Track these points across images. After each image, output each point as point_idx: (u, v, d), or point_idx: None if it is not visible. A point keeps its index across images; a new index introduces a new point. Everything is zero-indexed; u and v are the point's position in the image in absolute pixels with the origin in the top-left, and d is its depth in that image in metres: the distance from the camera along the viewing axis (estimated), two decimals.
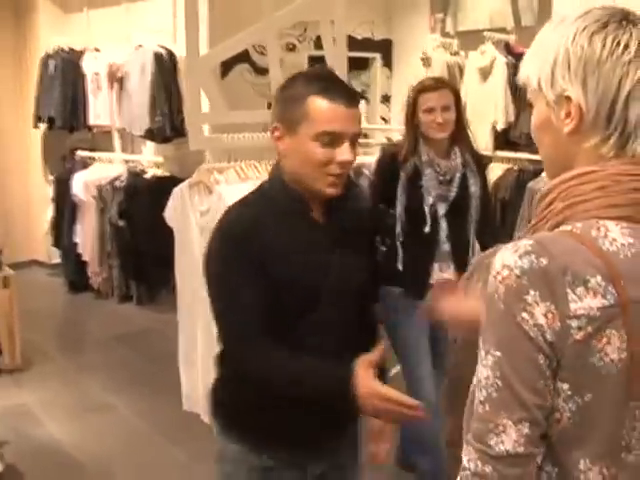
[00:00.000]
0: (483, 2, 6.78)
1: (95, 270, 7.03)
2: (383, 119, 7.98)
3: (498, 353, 1.24)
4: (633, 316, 1.24)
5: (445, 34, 7.09)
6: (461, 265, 3.65)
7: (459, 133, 3.62)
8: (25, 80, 7.88)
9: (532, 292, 1.21)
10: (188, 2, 3.30)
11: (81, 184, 6.97)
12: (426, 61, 6.81)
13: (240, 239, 2.00)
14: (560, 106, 1.31)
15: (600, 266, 1.23)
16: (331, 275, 2.10)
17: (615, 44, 1.26)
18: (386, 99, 8.01)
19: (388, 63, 7.91)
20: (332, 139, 1.97)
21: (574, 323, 1.21)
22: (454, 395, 1.77)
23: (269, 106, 5.90)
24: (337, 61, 3.77)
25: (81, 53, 7.30)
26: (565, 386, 1.25)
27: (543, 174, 4.85)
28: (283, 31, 6.92)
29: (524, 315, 1.22)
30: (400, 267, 3.63)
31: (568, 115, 1.31)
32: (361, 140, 5.96)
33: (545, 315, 1.21)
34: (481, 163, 3.84)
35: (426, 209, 3.55)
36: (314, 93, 1.98)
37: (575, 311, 1.21)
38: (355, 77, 7.91)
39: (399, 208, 3.58)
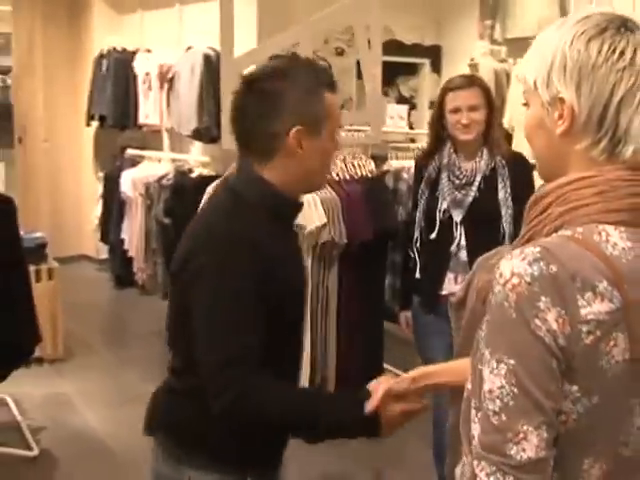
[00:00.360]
0: (531, 9, 6.77)
1: (140, 266, 7.15)
2: None
3: (512, 361, 1.25)
4: (634, 317, 1.26)
5: (493, 41, 7.10)
6: None
7: (489, 134, 3.40)
8: (79, 79, 8.07)
9: (544, 298, 1.23)
10: (224, 6, 3.38)
11: (129, 182, 7.11)
12: (473, 68, 6.82)
13: (246, 254, 1.82)
14: (554, 107, 1.34)
15: (605, 271, 1.25)
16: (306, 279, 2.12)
17: (611, 50, 1.29)
18: (434, 105, 8.00)
19: (437, 69, 7.93)
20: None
21: (584, 328, 1.24)
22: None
23: None
24: (372, 66, 3.80)
25: (133, 54, 7.46)
26: (574, 388, 1.27)
27: None
28: (332, 35, 7.01)
29: (537, 322, 1.23)
30: (418, 275, 3.51)
31: (561, 117, 1.33)
32: (407, 145, 6.02)
33: (556, 320, 1.23)
34: (523, 168, 3.44)
35: (437, 215, 3.39)
36: (326, 89, 1.92)
37: (585, 316, 1.24)
38: (403, 82, 7.95)
39: (418, 214, 3.47)
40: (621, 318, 1.26)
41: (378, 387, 1.90)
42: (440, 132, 3.42)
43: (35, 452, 4.29)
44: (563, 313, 1.23)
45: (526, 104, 1.44)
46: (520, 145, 6.18)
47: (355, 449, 4.25)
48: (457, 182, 3.37)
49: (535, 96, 1.38)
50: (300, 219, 3.41)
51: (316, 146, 1.90)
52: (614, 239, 1.30)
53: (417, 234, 3.47)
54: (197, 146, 7.31)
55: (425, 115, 7.97)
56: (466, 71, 6.90)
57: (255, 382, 1.82)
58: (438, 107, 3.42)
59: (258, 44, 5.71)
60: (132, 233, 7.23)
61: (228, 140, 3.56)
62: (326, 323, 3.62)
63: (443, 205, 3.39)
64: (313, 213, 3.44)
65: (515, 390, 1.25)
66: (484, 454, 1.29)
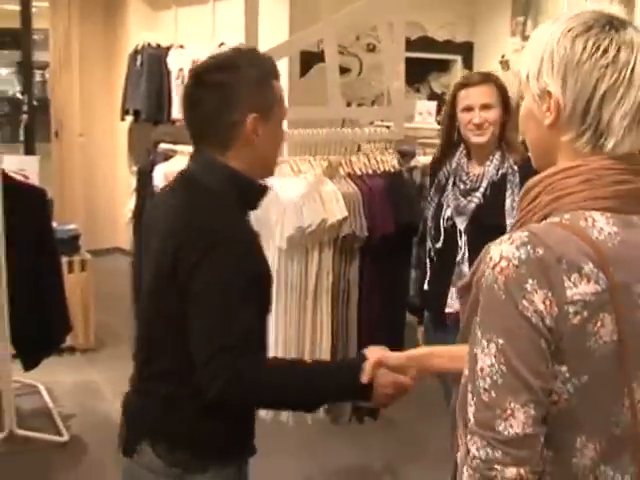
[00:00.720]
0: (563, 6, 6.76)
1: None
2: None
3: (501, 340, 1.32)
4: (620, 299, 1.33)
5: (525, 38, 7.09)
6: None
7: (505, 137, 3.16)
8: (115, 75, 8.18)
9: (530, 281, 1.30)
10: (248, 4, 3.44)
11: (161, 175, 7.18)
12: (504, 64, 6.84)
13: (237, 247, 1.89)
14: (543, 100, 1.40)
15: (591, 254, 1.32)
16: None
17: (595, 48, 1.35)
18: (446, 103, 8.01)
19: (469, 65, 7.92)
20: None
21: (571, 308, 1.30)
22: None
23: (348, 104, 6.01)
24: (395, 62, 3.84)
25: (167, 49, 7.55)
26: (564, 368, 1.33)
27: None
28: (364, 32, 7.04)
29: (524, 303, 1.30)
30: (426, 287, 3.33)
31: (549, 109, 1.39)
32: (435, 141, 6.03)
33: (543, 302, 1.30)
34: (530, 175, 3.31)
35: (441, 223, 3.19)
36: (272, 75, 2.00)
37: (572, 297, 1.30)
38: (435, 79, 7.97)
39: (429, 222, 3.28)
40: (607, 300, 1.32)
41: (373, 355, 2.02)
42: (452, 134, 3.23)
43: (65, 438, 4.41)
44: (550, 295, 1.30)
45: (522, 97, 1.50)
46: None
47: (373, 441, 4.32)
48: (462, 187, 3.17)
49: (527, 89, 1.44)
50: (322, 212, 3.48)
51: (270, 132, 1.98)
52: (600, 224, 1.36)
53: (429, 244, 3.30)
54: None
55: None
56: (498, 67, 6.93)
57: (247, 364, 1.84)
58: (450, 106, 3.20)
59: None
60: None
61: None
62: (347, 316, 3.65)
63: (447, 212, 3.19)
64: (334, 206, 3.48)
65: (503, 368, 1.32)
66: (476, 429, 1.35)
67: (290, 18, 6.45)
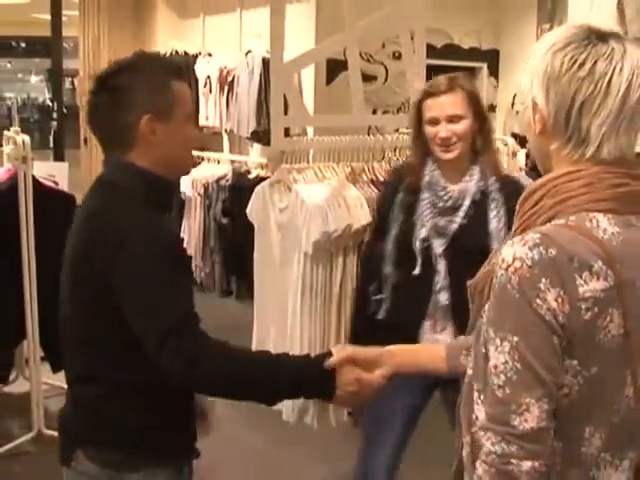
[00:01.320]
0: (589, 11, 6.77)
1: (198, 264, 7.32)
2: None
3: (515, 338, 1.38)
4: (627, 295, 1.40)
5: None
6: (463, 327, 2.43)
7: (481, 150, 2.79)
8: None
9: (544, 280, 1.36)
10: (274, 11, 3.50)
11: (189, 182, 7.28)
12: None
13: (172, 246, 1.91)
14: (534, 110, 1.50)
15: (599, 252, 1.39)
16: None
17: (572, 62, 1.43)
18: (491, 109, 8.05)
19: (494, 73, 7.96)
20: (192, 118, 2.06)
21: (583, 305, 1.37)
22: None
23: (374, 112, 6.06)
24: (416, 71, 3.88)
25: (195, 57, 7.64)
26: (574, 362, 1.40)
27: None
28: (389, 39, 7.09)
29: (538, 301, 1.36)
30: (381, 316, 2.86)
31: (536, 119, 1.50)
32: None
33: (556, 300, 1.36)
34: (516, 194, 2.86)
35: (417, 245, 2.74)
36: (173, 76, 2.00)
37: (583, 294, 1.37)
38: None
39: (389, 243, 2.82)
40: (615, 296, 1.39)
41: (342, 352, 1.97)
42: (423, 147, 2.82)
43: None
44: (562, 293, 1.36)
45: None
46: None
47: None
48: (441, 205, 2.75)
49: (524, 99, 1.55)
50: (347, 218, 3.52)
51: (170, 131, 1.97)
52: (604, 225, 1.43)
53: (389, 269, 2.83)
54: (255, 148, 7.46)
55: None
56: (523, 75, 6.93)
57: (205, 342, 1.84)
58: (415, 117, 2.81)
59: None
60: (191, 232, 7.39)
61: (279, 141, 3.69)
62: None
63: (422, 233, 2.75)
64: (359, 212, 3.53)
65: (518, 365, 1.37)
66: (490, 425, 1.41)
67: (316, 26, 6.51)
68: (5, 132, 4.70)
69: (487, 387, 1.45)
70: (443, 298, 2.75)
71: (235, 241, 7.05)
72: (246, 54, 6.98)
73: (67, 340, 2.04)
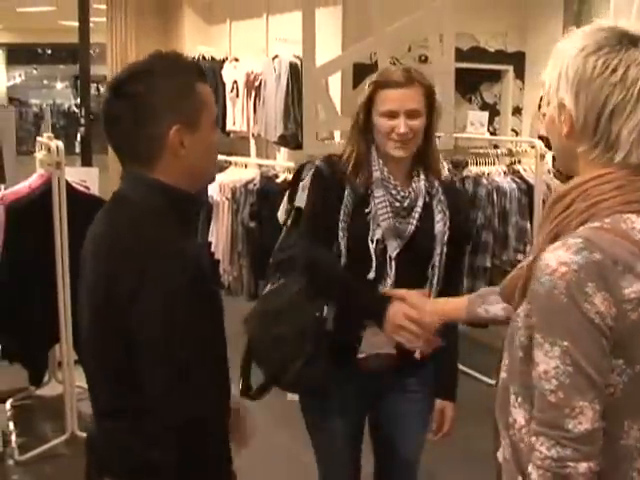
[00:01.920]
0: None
1: (226, 268, 7.36)
2: (514, 131, 8.02)
3: (566, 342, 1.40)
4: None
5: None
6: None
7: (425, 150, 2.62)
8: None
9: (590, 284, 1.39)
10: (306, 17, 3.53)
11: (217, 186, 7.32)
12: None
13: (196, 276, 1.74)
14: (560, 111, 1.52)
15: (638, 254, 1.42)
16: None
17: (605, 67, 1.46)
18: (517, 111, 8.05)
19: (520, 75, 7.95)
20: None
21: (628, 306, 1.40)
22: None
23: None
24: (444, 74, 3.90)
25: (222, 62, 7.69)
26: (620, 362, 1.43)
27: None
28: (416, 43, 7.11)
29: (587, 305, 1.39)
30: (330, 327, 2.59)
31: (564, 120, 1.52)
32: (484, 151, 6.07)
33: (602, 303, 1.39)
34: (457, 197, 2.80)
35: (371, 246, 2.54)
36: (197, 78, 1.82)
37: (628, 295, 1.40)
38: (487, 89, 8.00)
39: (342, 243, 2.55)
40: None
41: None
42: (368, 142, 2.60)
43: None
44: (608, 296, 1.38)
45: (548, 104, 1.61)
46: None
47: None
48: (397, 205, 2.57)
49: (549, 99, 1.56)
50: None
51: (198, 140, 1.81)
52: (638, 226, 1.46)
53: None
54: (282, 152, 7.49)
55: (509, 121, 8.02)
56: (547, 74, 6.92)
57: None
58: (365, 108, 2.56)
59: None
60: (218, 236, 7.43)
61: (311, 145, 3.72)
62: None
63: (377, 233, 2.55)
64: None
65: (570, 369, 1.40)
66: (543, 430, 1.43)
67: (343, 30, 6.53)
68: (38, 138, 4.76)
69: (528, 389, 1.48)
70: None
71: (263, 245, 7.06)
72: (273, 59, 7.02)
73: (91, 367, 1.90)
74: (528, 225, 5.63)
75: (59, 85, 20.22)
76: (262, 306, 2.74)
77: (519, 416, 1.55)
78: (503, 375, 1.62)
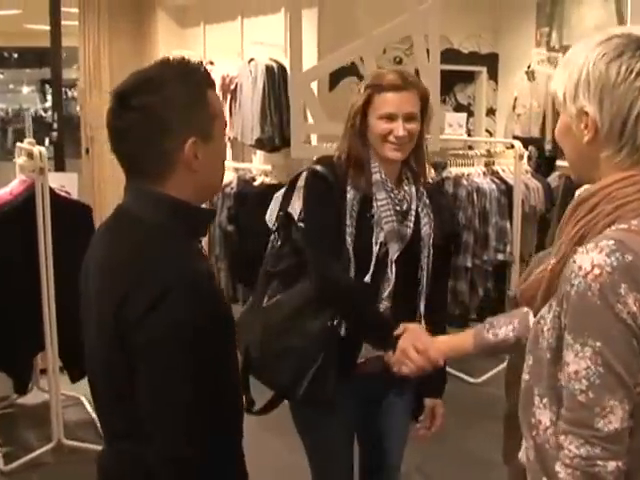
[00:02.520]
0: (588, 16, 6.82)
1: None
2: (488, 132, 8.08)
3: (598, 343, 1.42)
4: None
5: (550, 48, 7.16)
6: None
7: (415, 153, 2.65)
8: None
9: (623, 285, 1.41)
10: (293, 21, 3.53)
11: None
12: (530, 75, 6.91)
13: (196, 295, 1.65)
14: (579, 119, 1.55)
15: None
16: None
17: (628, 72, 1.49)
18: (491, 112, 8.11)
19: (494, 76, 8.00)
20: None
21: None
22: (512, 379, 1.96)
23: None
24: (430, 75, 3.92)
25: None
26: None
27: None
28: (390, 45, 7.14)
29: (619, 306, 1.41)
30: (343, 332, 2.58)
31: (586, 127, 1.53)
32: (463, 152, 6.12)
33: (635, 303, 1.41)
34: (441, 199, 2.91)
35: (374, 249, 2.54)
36: (207, 86, 1.76)
37: None
38: (461, 90, 8.04)
39: (350, 248, 2.54)
40: None
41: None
42: (365, 144, 2.60)
43: None
44: (639, 296, 1.41)
45: (558, 113, 1.65)
46: None
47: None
48: (398, 209, 2.59)
49: (564, 107, 1.58)
50: None
51: (212, 152, 1.75)
52: None
53: (352, 273, 2.58)
54: (259, 155, 7.48)
55: (482, 122, 8.07)
56: (524, 79, 7.00)
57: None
58: (361, 111, 2.57)
59: (318, 57, 5.87)
60: None
61: (298, 149, 3.73)
62: None
63: (380, 236, 2.56)
64: None
65: (600, 369, 1.42)
66: (572, 429, 1.46)
67: (319, 33, 6.52)
68: (18, 144, 4.72)
69: (555, 390, 1.51)
70: (386, 306, 2.60)
71: (241, 248, 7.07)
72: (249, 62, 7.00)
73: (98, 387, 1.82)
74: (508, 225, 5.69)
75: (25, 89, 20.01)
76: (264, 320, 2.68)
77: (544, 417, 1.57)
78: (525, 377, 1.64)
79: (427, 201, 2.67)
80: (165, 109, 1.67)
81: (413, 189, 2.64)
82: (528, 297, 1.65)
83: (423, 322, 2.66)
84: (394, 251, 2.57)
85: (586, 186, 4.93)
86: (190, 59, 1.83)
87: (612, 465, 1.42)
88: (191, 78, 1.74)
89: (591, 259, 1.43)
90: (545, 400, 1.57)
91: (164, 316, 1.59)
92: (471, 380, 5.54)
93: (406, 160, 2.64)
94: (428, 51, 4.40)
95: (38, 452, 4.40)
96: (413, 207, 2.62)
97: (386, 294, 2.58)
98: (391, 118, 2.54)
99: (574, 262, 1.46)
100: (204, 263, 1.78)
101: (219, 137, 1.78)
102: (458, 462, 4.45)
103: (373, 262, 2.54)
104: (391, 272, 2.57)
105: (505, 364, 5.86)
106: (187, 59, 1.84)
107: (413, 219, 2.62)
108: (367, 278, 2.54)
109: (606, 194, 1.52)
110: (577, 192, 5.71)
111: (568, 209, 1.59)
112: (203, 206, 1.90)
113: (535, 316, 1.63)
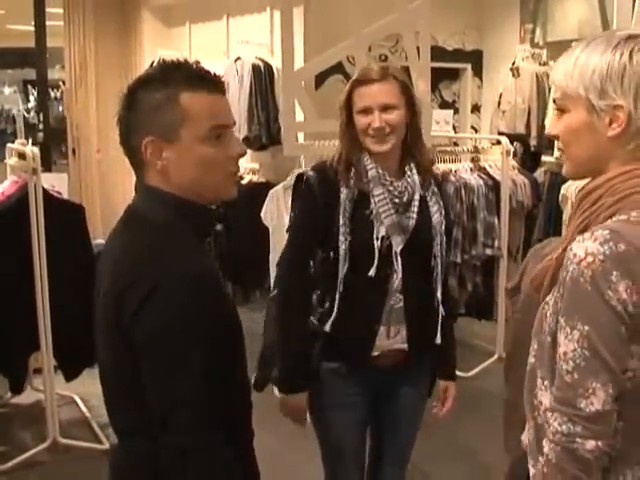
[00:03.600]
0: (572, 13, 6.89)
1: None
2: (473, 128, 8.14)
3: (586, 327, 1.48)
4: None
5: (534, 45, 7.24)
6: (416, 329, 2.64)
7: (414, 143, 2.65)
8: None
9: (615, 272, 1.46)
10: (284, 21, 3.56)
11: None
12: (515, 71, 6.97)
13: (192, 293, 1.66)
14: (606, 113, 1.57)
15: None
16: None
17: None
18: (476, 108, 8.17)
19: (478, 73, 8.07)
20: (220, 134, 1.76)
21: None
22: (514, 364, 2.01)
23: None
24: (421, 72, 3.96)
25: None
26: None
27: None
28: (376, 43, 7.17)
29: (610, 292, 1.46)
30: (328, 329, 2.63)
31: (612, 122, 1.56)
32: (450, 148, 6.16)
33: (626, 291, 1.46)
34: (444, 191, 2.95)
35: (376, 244, 2.55)
36: (185, 88, 1.72)
37: None
38: (446, 87, 8.10)
39: (342, 247, 2.56)
40: None
41: None
42: (354, 138, 2.62)
43: (106, 445, 4.45)
44: (631, 284, 1.46)
45: (562, 110, 1.66)
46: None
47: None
48: (397, 201, 2.59)
49: (581, 103, 1.60)
50: None
51: (180, 153, 1.73)
52: None
53: (342, 274, 2.58)
54: (247, 153, 7.49)
55: (468, 119, 8.13)
56: (508, 75, 7.05)
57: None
58: (345, 107, 2.61)
59: (305, 56, 5.90)
60: None
61: (290, 147, 3.76)
62: None
63: (381, 231, 2.57)
64: None
65: (586, 352, 1.48)
66: (558, 407, 1.52)
67: (304, 31, 6.55)
68: (9, 145, 4.73)
69: (555, 373, 1.55)
70: (398, 300, 2.61)
71: (230, 247, 7.10)
72: (235, 61, 7.02)
73: (110, 389, 1.84)
74: (495, 220, 5.74)
75: (7, 90, 19.92)
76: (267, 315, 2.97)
77: (545, 398, 1.63)
78: (531, 360, 1.71)
79: (435, 189, 2.70)
80: (136, 107, 1.73)
81: (416, 178, 2.63)
82: (536, 284, 1.70)
83: (442, 309, 2.71)
84: (397, 243, 2.57)
85: (570, 182, 4.98)
86: (184, 60, 1.82)
87: (591, 444, 1.48)
88: (169, 77, 1.73)
89: (585, 247, 1.49)
90: (546, 382, 1.64)
91: (158, 311, 1.61)
92: (461, 374, 5.59)
93: (408, 151, 2.65)
94: (417, 49, 4.45)
95: (34, 451, 4.40)
96: (416, 197, 2.62)
97: (395, 287, 2.59)
98: (368, 111, 2.55)
99: (571, 250, 1.52)
100: (209, 261, 1.82)
101: (192, 140, 1.73)
102: (447, 455, 4.50)
103: (376, 257, 2.55)
104: (397, 265, 2.57)
105: (495, 358, 5.96)
106: (180, 61, 1.82)
107: (416, 209, 2.62)
108: (371, 272, 2.55)
109: (609, 187, 1.57)
110: (562, 188, 5.78)
111: (575, 200, 1.65)
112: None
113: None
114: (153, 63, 7.74)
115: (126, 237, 1.79)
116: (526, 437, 1.75)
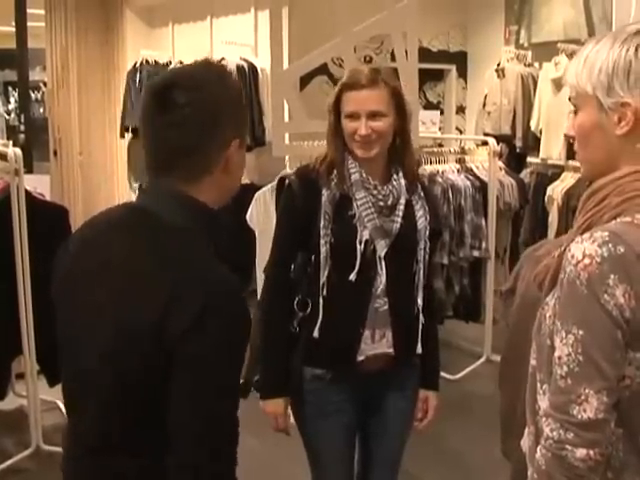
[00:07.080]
0: (557, 14, 6.88)
1: None
2: (458, 129, 8.12)
3: (581, 331, 1.43)
4: None
5: (519, 46, 7.23)
6: (402, 333, 2.62)
7: (402, 148, 2.62)
8: (113, 92, 8.20)
9: (612, 276, 1.41)
10: (273, 21, 3.52)
11: None
12: (500, 72, 6.95)
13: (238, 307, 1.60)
14: (614, 111, 1.52)
15: None
16: None
17: None
18: (461, 110, 8.15)
19: (463, 74, 8.06)
20: None
21: None
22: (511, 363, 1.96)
23: None
24: (408, 73, 3.93)
25: (165, 66, 7.58)
26: (638, 355, 1.45)
27: None
28: (360, 44, 7.14)
29: (606, 297, 1.41)
30: (316, 334, 2.60)
31: (620, 119, 1.52)
32: (436, 149, 6.13)
33: (623, 295, 1.41)
34: (431, 195, 2.85)
35: (358, 247, 2.52)
36: (242, 92, 1.74)
37: None
38: (430, 88, 8.08)
39: (323, 249, 2.54)
40: None
41: None
42: (341, 141, 2.59)
43: None
44: (629, 289, 1.41)
45: (576, 110, 1.62)
46: (550, 147, 6.29)
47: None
48: (381, 205, 2.57)
49: (589, 101, 1.56)
50: None
51: (242, 156, 1.72)
52: None
53: (324, 278, 2.56)
54: None
55: (452, 120, 8.11)
56: (493, 76, 7.03)
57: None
58: (333, 110, 2.58)
59: (289, 56, 5.85)
60: None
61: (279, 148, 3.71)
62: None
63: (364, 235, 2.55)
64: None
65: (580, 357, 1.43)
66: (551, 412, 1.47)
67: (289, 31, 6.51)
68: None
69: (553, 376, 1.50)
70: (382, 303, 2.58)
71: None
72: (219, 61, 6.97)
73: (104, 403, 1.66)
74: (483, 222, 5.72)
75: None
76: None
77: (543, 403, 1.59)
78: (532, 362, 1.65)
79: (422, 193, 2.67)
80: (219, 105, 1.63)
81: (403, 182, 2.61)
82: (539, 282, 1.65)
83: (421, 316, 2.67)
84: (381, 247, 2.55)
85: (556, 183, 4.97)
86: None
87: (582, 452, 1.43)
88: (231, 80, 1.70)
89: (583, 249, 1.44)
90: (545, 386, 1.59)
91: (210, 331, 1.52)
92: (448, 377, 5.56)
93: (395, 155, 2.63)
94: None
95: (16, 458, 4.34)
96: (402, 201, 2.60)
97: (379, 291, 2.57)
98: (355, 117, 2.52)
99: (569, 251, 1.48)
100: (228, 272, 1.68)
101: (245, 142, 1.74)
102: (435, 457, 4.46)
103: (358, 260, 2.53)
104: (381, 269, 2.55)
105: (482, 360, 5.94)
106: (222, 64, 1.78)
107: (401, 213, 2.59)
108: (352, 276, 2.53)
109: (616, 187, 1.52)
110: (548, 189, 5.76)
111: (581, 200, 1.59)
112: None
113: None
114: (136, 64, 7.71)
115: (140, 237, 1.66)
116: (526, 443, 1.71)
